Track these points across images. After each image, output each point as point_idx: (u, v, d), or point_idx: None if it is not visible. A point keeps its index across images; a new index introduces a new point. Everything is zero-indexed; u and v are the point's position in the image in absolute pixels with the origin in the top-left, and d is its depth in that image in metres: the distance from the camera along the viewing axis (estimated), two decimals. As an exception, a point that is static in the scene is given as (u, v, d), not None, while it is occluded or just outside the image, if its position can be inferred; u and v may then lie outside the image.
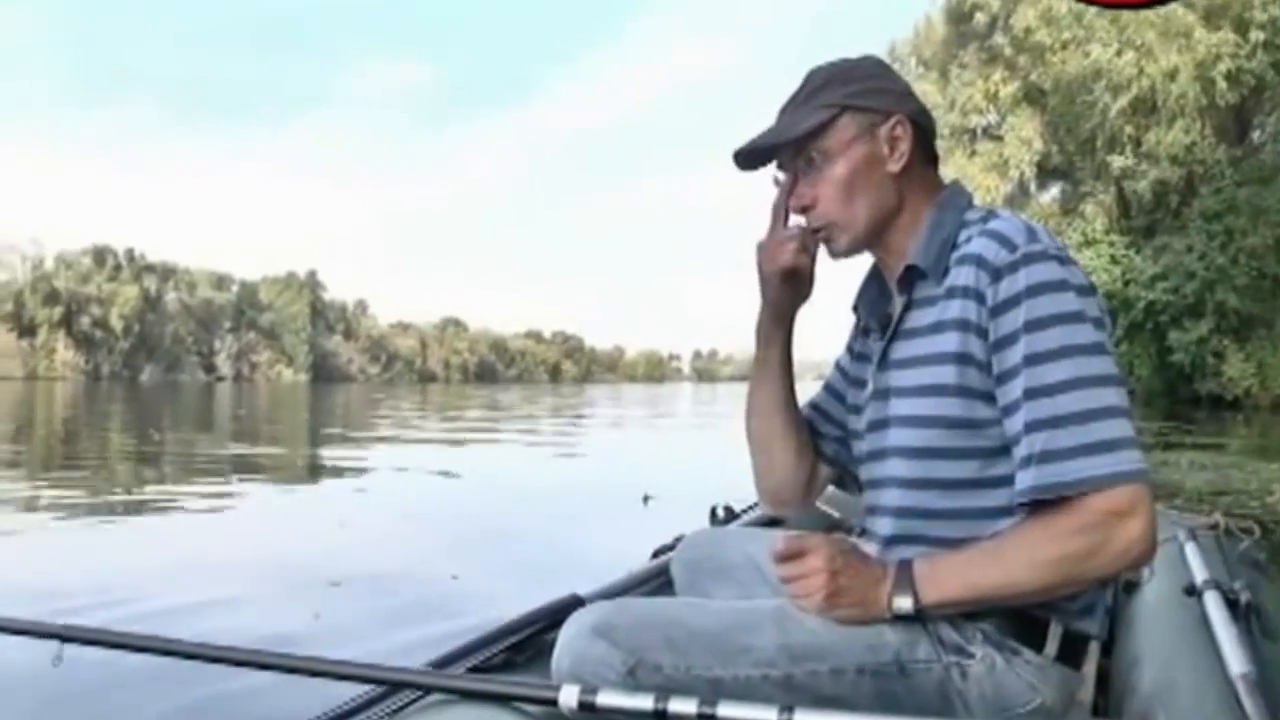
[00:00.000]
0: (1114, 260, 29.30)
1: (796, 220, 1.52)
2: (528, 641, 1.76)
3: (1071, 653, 1.40)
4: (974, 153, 32.76)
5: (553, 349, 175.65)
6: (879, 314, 1.58)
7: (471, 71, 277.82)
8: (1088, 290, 1.33)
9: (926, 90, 33.91)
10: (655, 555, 2.22)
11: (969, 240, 1.40)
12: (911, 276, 1.46)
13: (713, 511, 2.72)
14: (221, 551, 5.81)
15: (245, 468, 11.94)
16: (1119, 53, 27.10)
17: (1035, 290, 1.30)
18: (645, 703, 1.24)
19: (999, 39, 32.25)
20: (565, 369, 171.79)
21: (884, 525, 1.48)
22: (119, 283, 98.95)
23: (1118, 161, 29.12)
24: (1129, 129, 28.52)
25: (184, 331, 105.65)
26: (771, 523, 2.44)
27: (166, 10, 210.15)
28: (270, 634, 3.52)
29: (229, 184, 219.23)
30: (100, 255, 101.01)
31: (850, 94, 1.46)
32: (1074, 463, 1.25)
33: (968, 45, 33.21)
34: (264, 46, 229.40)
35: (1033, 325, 1.29)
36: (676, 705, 1.23)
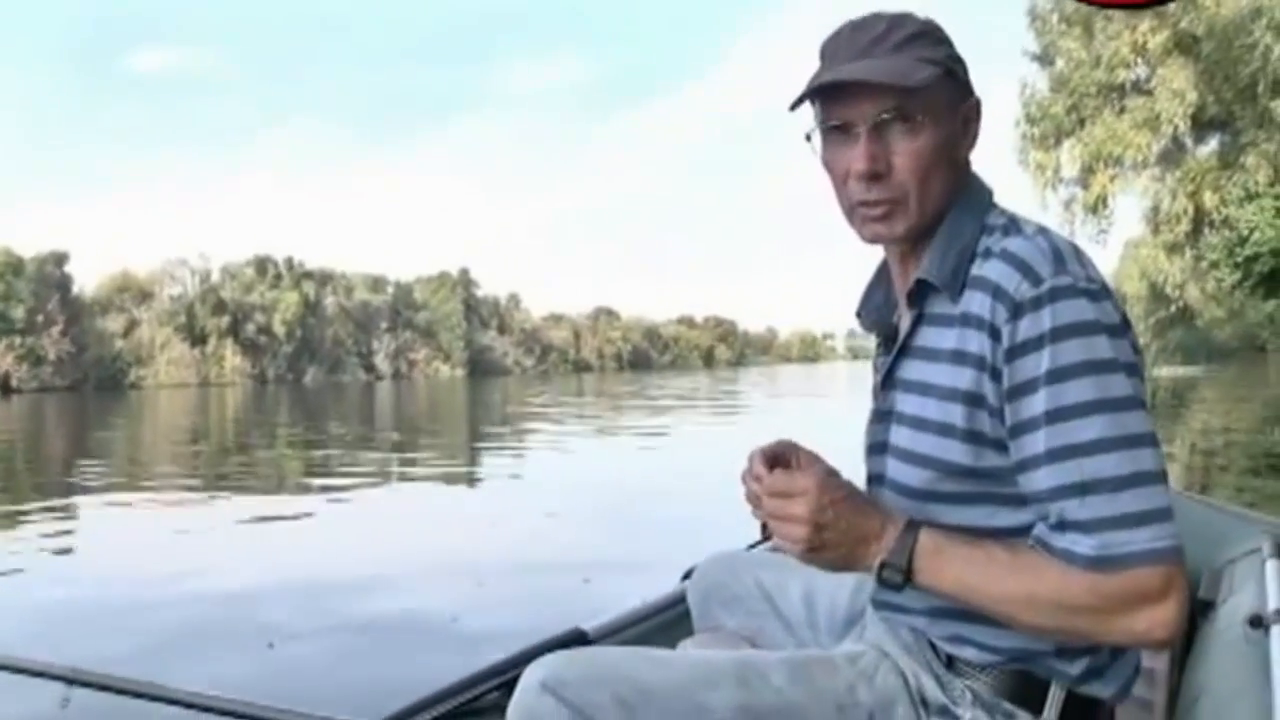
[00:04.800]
0: (1280, 214, 27.75)
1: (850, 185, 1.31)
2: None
3: (1078, 718, 1.27)
4: (1122, 110, 31.35)
5: (705, 334, 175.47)
6: (884, 326, 1.43)
7: (619, 65, 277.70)
8: (1120, 330, 1.18)
9: (1070, 47, 32.62)
10: (685, 577, 2.11)
11: (988, 256, 1.24)
12: (923, 290, 1.31)
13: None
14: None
15: (400, 460, 12.71)
16: (1280, -11, 25.57)
17: (1061, 333, 1.15)
18: None
19: (1146, -13, 30.79)
20: (719, 353, 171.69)
21: None
22: (280, 290, 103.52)
23: (1282, 107, 27.48)
24: (1294, 71, 26.88)
25: (343, 334, 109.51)
26: None
27: (324, 29, 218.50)
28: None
29: (380, 189, 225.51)
30: (262, 265, 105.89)
31: (950, 57, 1.29)
32: (1103, 536, 1.12)
33: (1112, -4, 31.82)
34: (413, 55, 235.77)
35: (1057, 374, 1.14)
36: None
